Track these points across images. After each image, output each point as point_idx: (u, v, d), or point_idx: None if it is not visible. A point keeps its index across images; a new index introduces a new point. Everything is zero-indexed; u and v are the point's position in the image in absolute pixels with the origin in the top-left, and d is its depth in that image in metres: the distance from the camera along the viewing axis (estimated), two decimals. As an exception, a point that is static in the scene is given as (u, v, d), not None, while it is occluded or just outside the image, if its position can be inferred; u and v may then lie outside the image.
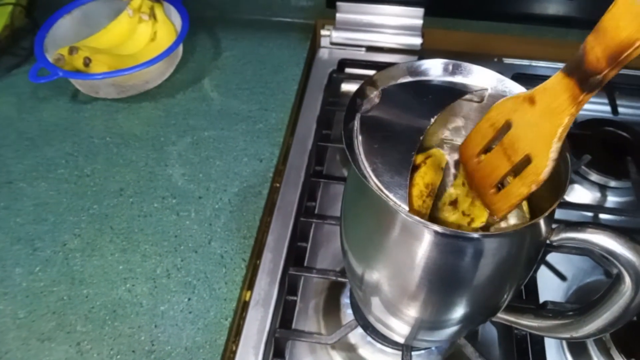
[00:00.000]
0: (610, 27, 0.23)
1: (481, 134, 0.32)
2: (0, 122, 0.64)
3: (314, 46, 0.75)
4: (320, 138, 0.62)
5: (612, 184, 0.59)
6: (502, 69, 0.65)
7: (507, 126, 0.30)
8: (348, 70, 0.71)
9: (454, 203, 0.35)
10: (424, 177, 0.34)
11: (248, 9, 0.77)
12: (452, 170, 0.39)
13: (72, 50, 0.63)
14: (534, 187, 0.29)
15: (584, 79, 0.25)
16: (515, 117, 0.29)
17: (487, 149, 0.33)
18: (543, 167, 0.28)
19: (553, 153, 0.27)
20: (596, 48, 0.24)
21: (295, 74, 0.69)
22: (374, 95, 0.33)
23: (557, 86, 0.26)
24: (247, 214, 0.54)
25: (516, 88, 0.33)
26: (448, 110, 0.33)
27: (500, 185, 0.32)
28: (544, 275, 0.53)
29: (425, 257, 0.30)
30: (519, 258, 0.32)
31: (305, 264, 0.53)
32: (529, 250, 0.32)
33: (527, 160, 0.29)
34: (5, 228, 0.53)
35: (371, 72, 0.68)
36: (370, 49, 0.73)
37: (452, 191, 0.36)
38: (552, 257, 0.54)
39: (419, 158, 0.36)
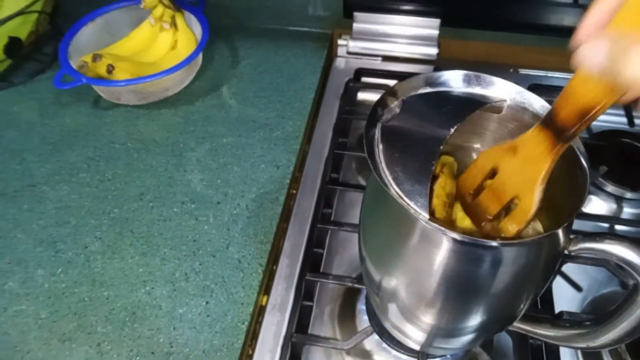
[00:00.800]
0: (577, 91, 0.26)
1: (472, 177, 0.36)
2: (23, 127, 0.66)
3: (331, 55, 0.76)
4: (336, 146, 0.63)
5: (628, 195, 0.59)
6: (518, 80, 0.65)
7: (493, 172, 0.34)
8: (364, 79, 0.72)
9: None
10: (444, 187, 0.34)
11: (265, 18, 0.78)
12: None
13: (96, 57, 0.64)
14: (524, 225, 0.32)
15: (558, 133, 0.28)
16: (501, 164, 0.33)
17: (479, 190, 0.36)
18: (530, 207, 0.31)
19: (537, 195, 0.30)
20: (566, 109, 0.27)
21: (312, 83, 0.70)
22: (395, 105, 0.34)
23: (535, 138, 0.30)
24: (264, 219, 0.55)
25: (535, 100, 0.34)
26: (467, 120, 0.34)
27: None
28: (559, 286, 0.53)
29: (444, 264, 0.31)
30: (536, 267, 0.32)
31: (321, 270, 0.54)
32: (547, 260, 0.32)
33: (514, 201, 0.32)
34: (28, 230, 0.55)
35: (387, 82, 0.71)
36: (387, 58, 0.74)
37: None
38: (567, 268, 0.54)
39: (437, 167, 0.37)
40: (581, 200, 0.29)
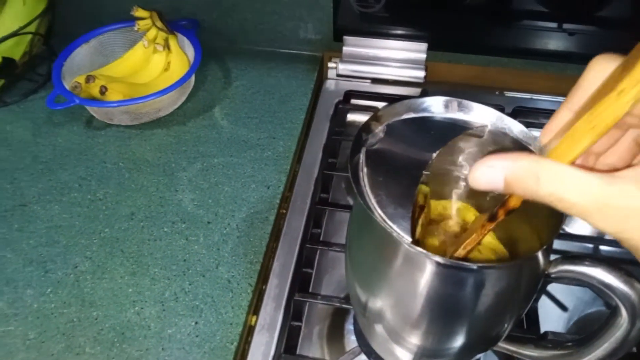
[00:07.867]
0: None
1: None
2: (15, 146, 0.66)
3: (321, 77, 0.78)
4: (326, 166, 0.64)
5: (612, 215, 0.60)
6: (504, 102, 0.67)
7: None
8: (354, 101, 0.73)
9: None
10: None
11: (257, 40, 0.79)
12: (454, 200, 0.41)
13: (89, 78, 0.65)
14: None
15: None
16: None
17: None
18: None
19: None
20: None
21: (303, 104, 0.71)
22: (379, 130, 0.35)
23: None
24: (254, 239, 0.56)
25: (514, 125, 0.35)
26: (449, 144, 0.35)
27: None
28: (545, 306, 0.54)
29: (427, 286, 0.32)
30: (517, 289, 0.33)
31: (310, 289, 0.54)
32: (528, 282, 0.33)
33: None
34: (18, 250, 0.55)
35: (376, 104, 0.72)
36: (376, 81, 0.76)
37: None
38: (553, 288, 0.55)
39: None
40: (559, 223, 0.30)
